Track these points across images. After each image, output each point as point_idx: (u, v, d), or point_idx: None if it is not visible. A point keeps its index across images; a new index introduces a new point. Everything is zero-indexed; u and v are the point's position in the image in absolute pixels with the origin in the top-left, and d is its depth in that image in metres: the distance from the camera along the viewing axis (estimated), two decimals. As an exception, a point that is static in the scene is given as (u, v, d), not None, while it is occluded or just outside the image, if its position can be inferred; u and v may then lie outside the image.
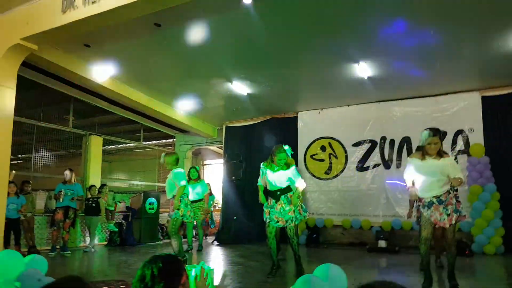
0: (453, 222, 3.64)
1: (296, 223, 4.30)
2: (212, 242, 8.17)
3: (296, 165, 7.99)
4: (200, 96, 7.92)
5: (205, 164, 12.79)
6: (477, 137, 6.67)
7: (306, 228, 7.87)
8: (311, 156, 8.27)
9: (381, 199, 7.38)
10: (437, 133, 3.61)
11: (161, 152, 7.13)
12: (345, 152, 7.92)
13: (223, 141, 9.41)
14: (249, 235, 7.89)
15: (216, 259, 6.20)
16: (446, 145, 6.68)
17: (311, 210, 7.99)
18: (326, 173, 8.07)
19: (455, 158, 6.59)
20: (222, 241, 8.03)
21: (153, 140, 11.42)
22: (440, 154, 3.62)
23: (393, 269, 5.22)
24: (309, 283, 1.60)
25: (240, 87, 7.21)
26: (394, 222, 7.10)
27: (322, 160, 8.16)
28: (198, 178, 6.95)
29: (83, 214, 7.30)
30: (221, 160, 10.21)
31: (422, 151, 3.68)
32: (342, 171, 7.90)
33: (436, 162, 3.60)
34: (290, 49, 5.73)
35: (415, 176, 3.75)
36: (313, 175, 8.17)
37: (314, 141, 8.28)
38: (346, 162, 7.88)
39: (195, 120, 9.35)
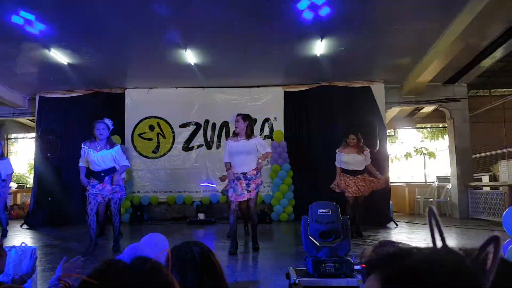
0: (255, 195, 4.39)
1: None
2: (21, 225, 7.33)
3: (123, 143, 8.01)
4: (7, 60, 6.70)
5: (10, 139, 10.96)
6: (279, 125, 8.13)
7: (131, 206, 7.94)
8: (139, 135, 8.28)
9: (203, 176, 8.13)
10: (247, 118, 4.41)
11: None
12: (173, 132, 8.28)
13: (36, 113, 8.28)
14: (66, 216, 7.40)
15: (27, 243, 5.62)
16: (256, 130, 7.91)
17: (137, 189, 8.10)
18: (153, 152, 8.26)
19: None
20: (33, 225, 7.28)
21: None
22: (249, 135, 4.40)
23: (207, 238, 5.98)
24: (136, 249, 1.89)
25: (59, 56, 6.48)
26: (212, 196, 7.98)
27: (150, 139, 8.28)
28: (1, 156, 6.05)
29: None
30: (33, 135, 9.01)
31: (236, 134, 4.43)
32: (170, 150, 8.25)
33: (246, 142, 4.36)
34: (117, 25, 5.55)
35: (230, 155, 4.40)
36: (141, 154, 8.23)
37: (142, 120, 8.30)
38: (173, 142, 8.26)
39: (-2, 87, 7.86)
